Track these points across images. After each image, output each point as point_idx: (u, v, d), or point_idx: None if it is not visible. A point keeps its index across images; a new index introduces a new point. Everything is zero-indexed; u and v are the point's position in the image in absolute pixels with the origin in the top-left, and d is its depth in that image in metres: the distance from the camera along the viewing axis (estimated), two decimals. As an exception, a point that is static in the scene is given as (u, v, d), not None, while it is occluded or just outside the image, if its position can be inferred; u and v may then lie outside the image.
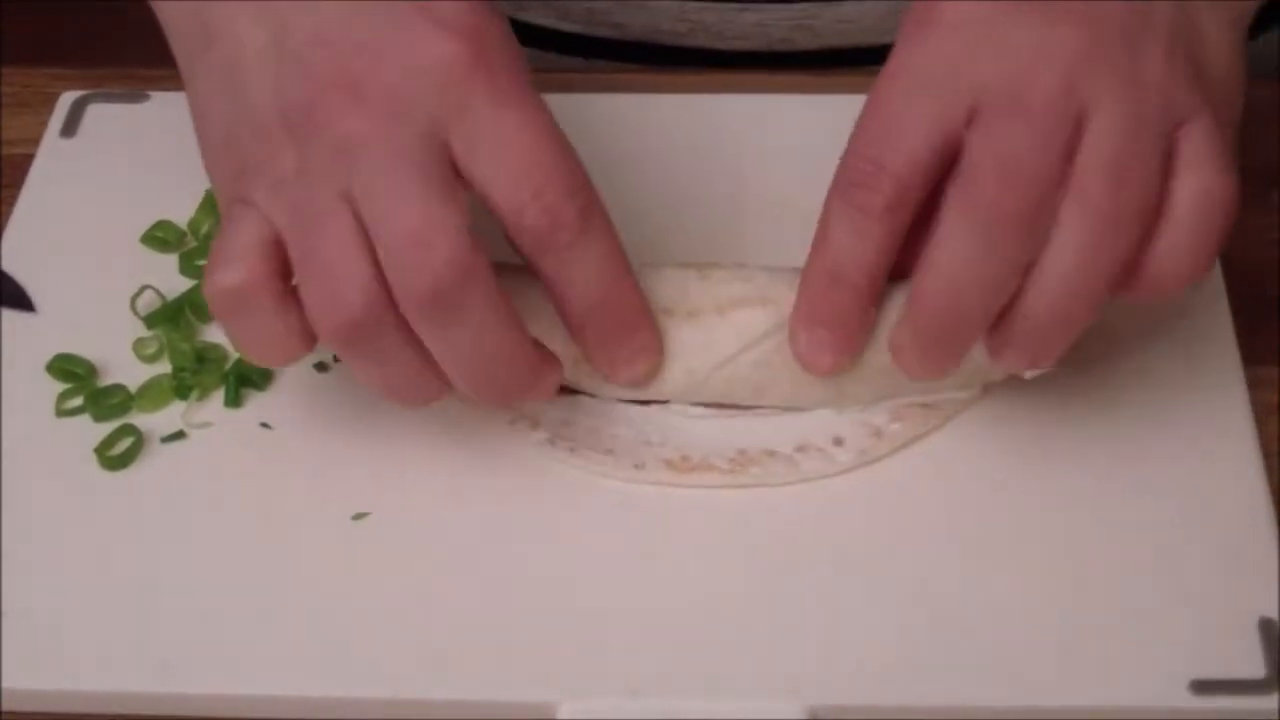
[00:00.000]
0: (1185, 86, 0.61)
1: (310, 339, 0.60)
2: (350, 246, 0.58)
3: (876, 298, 0.62)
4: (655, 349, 0.64)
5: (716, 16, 0.82)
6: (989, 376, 0.65)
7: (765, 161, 0.75)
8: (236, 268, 0.59)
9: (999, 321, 0.61)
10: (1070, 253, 0.58)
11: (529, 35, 0.86)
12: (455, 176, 0.59)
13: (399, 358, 0.60)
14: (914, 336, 0.62)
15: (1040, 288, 0.59)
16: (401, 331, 0.59)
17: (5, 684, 0.60)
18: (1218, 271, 0.70)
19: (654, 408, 0.66)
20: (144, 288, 0.70)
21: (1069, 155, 0.59)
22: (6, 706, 0.60)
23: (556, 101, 0.76)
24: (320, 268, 0.58)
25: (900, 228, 0.60)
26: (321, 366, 0.68)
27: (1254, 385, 0.67)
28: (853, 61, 0.84)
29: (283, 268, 0.60)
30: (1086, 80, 0.59)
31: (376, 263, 0.58)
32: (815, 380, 0.64)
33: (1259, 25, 0.86)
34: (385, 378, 0.61)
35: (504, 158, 0.59)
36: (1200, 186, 0.60)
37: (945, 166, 0.59)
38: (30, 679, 0.60)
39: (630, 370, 0.64)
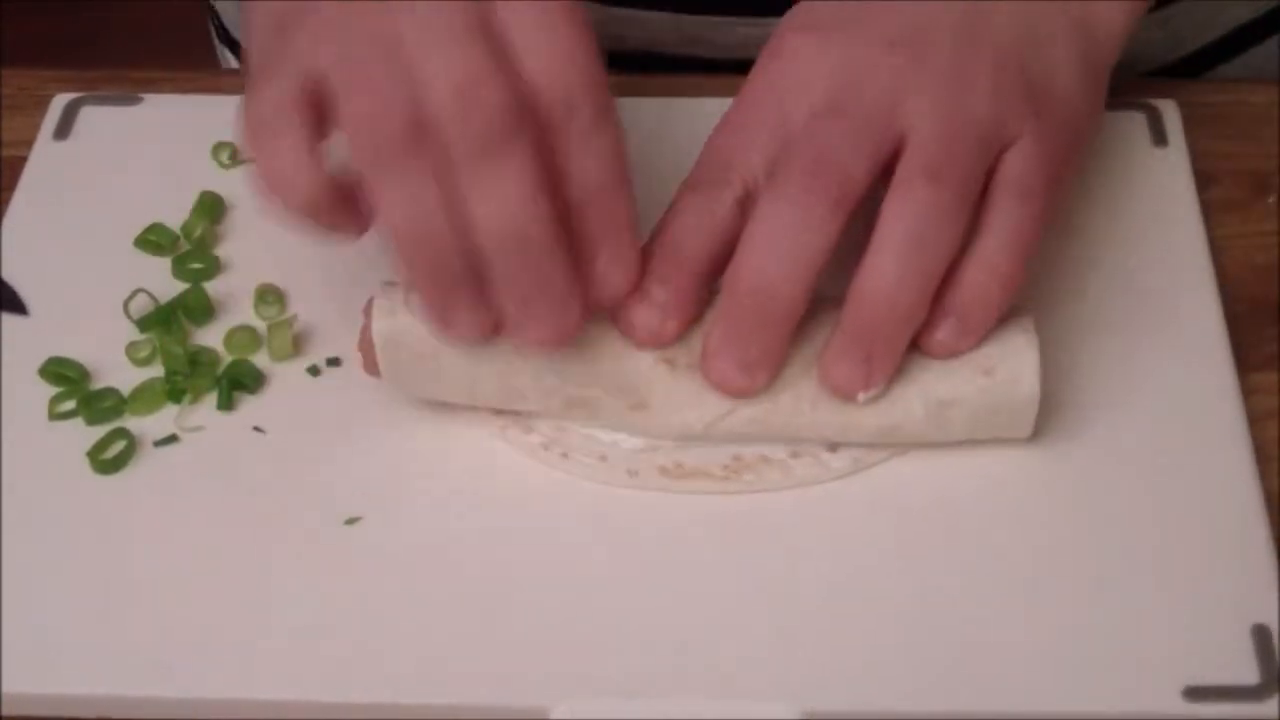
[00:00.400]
0: (1016, 98, 0.63)
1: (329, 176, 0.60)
2: (398, 72, 0.58)
3: (708, 277, 0.63)
4: (633, 260, 0.63)
5: (713, 29, 0.82)
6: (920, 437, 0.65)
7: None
8: (276, 86, 0.60)
9: (832, 334, 0.62)
10: (892, 244, 0.60)
11: None
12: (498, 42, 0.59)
13: (425, 194, 0.59)
14: (724, 325, 0.62)
15: (865, 279, 0.61)
16: (434, 166, 0.58)
17: (2, 688, 0.60)
18: (1210, 277, 0.70)
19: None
20: (137, 291, 0.70)
21: (887, 152, 0.61)
22: (6, 711, 0.60)
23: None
24: (365, 84, 0.58)
25: (736, 219, 0.62)
26: (314, 371, 0.68)
27: (1252, 391, 0.67)
28: None
29: (319, 101, 0.59)
30: (909, 97, 0.62)
31: (421, 98, 0.58)
32: (817, 422, 0.64)
33: (1254, 38, 0.86)
34: (406, 213, 0.59)
35: (542, 41, 0.60)
36: (1006, 214, 0.62)
37: None
38: (26, 683, 0.60)
39: (609, 281, 0.63)
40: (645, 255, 0.63)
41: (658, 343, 0.63)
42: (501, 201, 0.58)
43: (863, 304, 0.61)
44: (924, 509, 0.64)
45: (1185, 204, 0.73)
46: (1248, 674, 0.59)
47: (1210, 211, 0.73)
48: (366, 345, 0.65)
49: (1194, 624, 0.61)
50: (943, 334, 0.63)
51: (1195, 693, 0.59)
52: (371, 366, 0.65)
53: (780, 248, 0.60)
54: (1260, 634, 0.60)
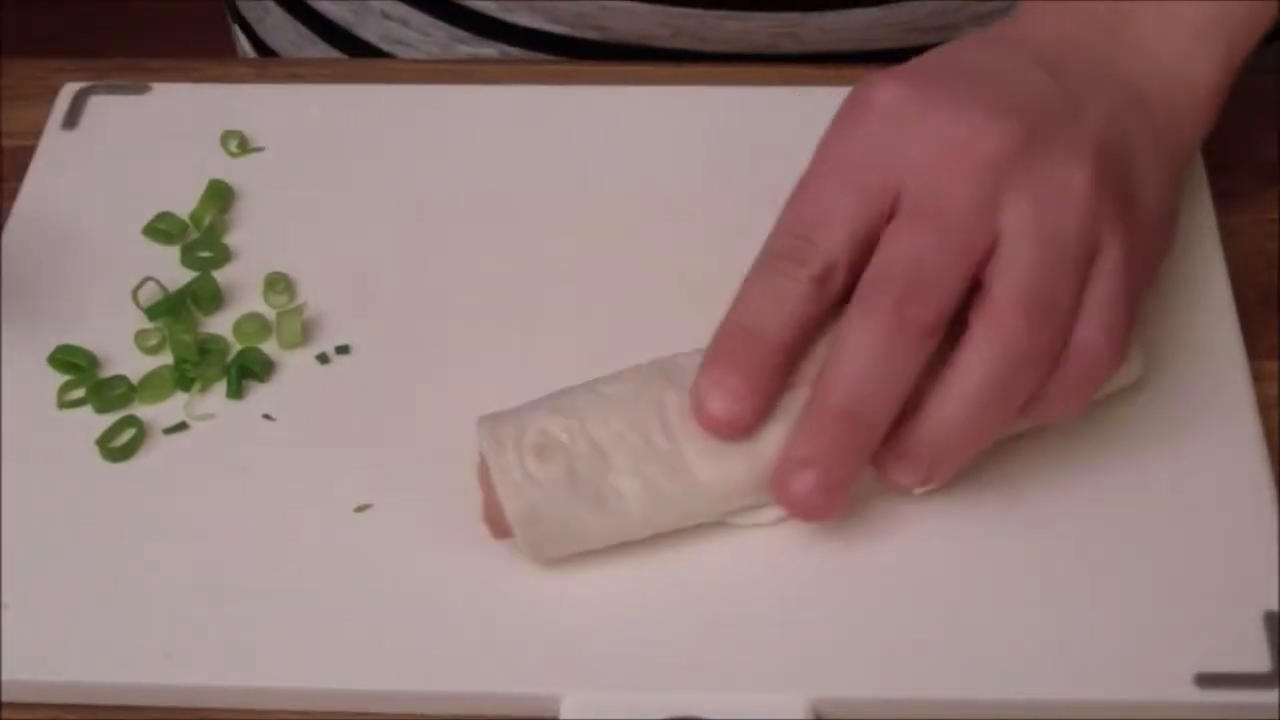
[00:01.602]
0: (1109, 210, 0.61)
1: None
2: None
3: (787, 365, 0.61)
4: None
5: (700, 22, 0.82)
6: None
7: (752, 154, 0.74)
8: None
9: (897, 432, 0.60)
10: (978, 378, 0.59)
11: (516, 36, 0.86)
12: None
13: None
14: (814, 444, 0.60)
15: (944, 404, 0.59)
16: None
17: (5, 676, 0.60)
18: (1221, 265, 0.70)
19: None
20: (146, 279, 0.70)
21: (979, 262, 0.59)
22: (7, 699, 0.60)
23: (544, 94, 0.77)
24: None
25: (820, 306, 0.60)
26: (323, 358, 0.68)
27: (1255, 379, 0.67)
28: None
29: None
30: (1008, 188, 0.60)
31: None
32: None
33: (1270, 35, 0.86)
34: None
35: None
36: (1090, 338, 0.60)
37: (869, 254, 0.60)
38: (31, 671, 0.60)
39: None
40: (718, 336, 0.61)
41: (732, 432, 0.61)
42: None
43: (937, 426, 0.60)
44: (932, 498, 0.64)
45: (1196, 192, 0.72)
46: (1260, 661, 0.59)
47: (1219, 200, 0.73)
48: (494, 513, 0.61)
49: (1206, 611, 0.61)
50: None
51: (1207, 680, 0.59)
52: (501, 533, 0.62)
53: (872, 377, 0.59)
54: (1272, 621, 0.60)
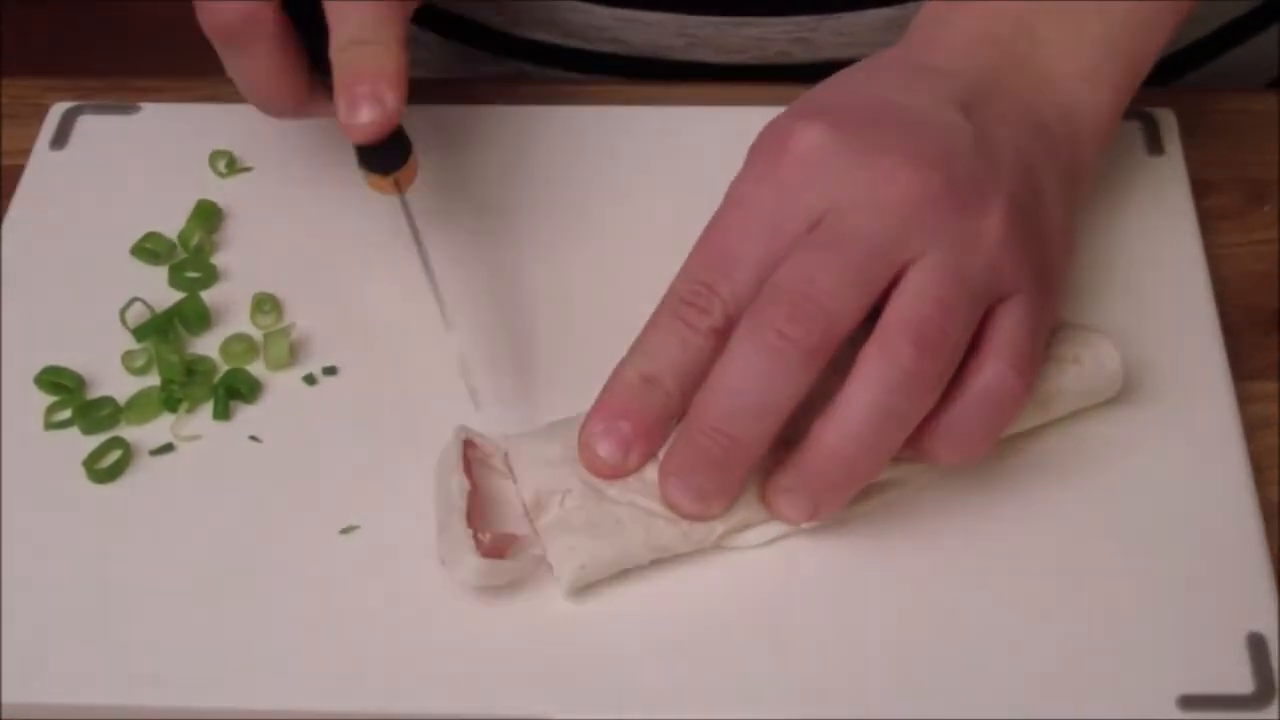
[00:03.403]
0: (1016, 259, 0.61)
1: None
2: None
3: (680, 411, 0.61)
4: (395, 101, 0.64)
5: (715, 30, 0.82)
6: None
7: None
8: None
9: (782, 466, 0.61)
10: (861, 404, 0.59)
11: (530, 52, 0.86)
12: None
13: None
14: (682, 455, 0.61)
15: (826, 432, 0.59)
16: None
17: (4, 699, 0.60)
18: (1207, 285, 0.70)
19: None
20: (133, 300, 0.70)
21: (877, 294, 0.59)
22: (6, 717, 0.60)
23: (551, 114, 0.77)
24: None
25: (715, 351, 0.60)
26: (310, 380, 0.68)
27: (1250, 399, 0.67)
28: None
29: None
30: (919, 231, 0.59)
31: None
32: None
33: (1250, 31, 0.86)
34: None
35: None
36: (993, 376, 0.60)
37: None
38: (18, 693, 0.60)
39: (363, 110, 0.64)
40: (615, 380, 0.62)
41: (618, 475, 0.62)
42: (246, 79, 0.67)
43: (819, 455, 0.60)
44: (922, 519, 0.64)
45: (1182, 212, 0.73)
46: (1243, 683, 0.59)
47: (1208, 220, 0.73)
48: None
49: (1190, 633, 0.61)
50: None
51: (1190, 701, 0.59)
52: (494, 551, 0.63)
53: (748, 395, 0.59)
54: (1256, 643, 0.60)
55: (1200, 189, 0.74)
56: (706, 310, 0.61)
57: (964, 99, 0.63)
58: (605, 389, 0.62)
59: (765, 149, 0.63)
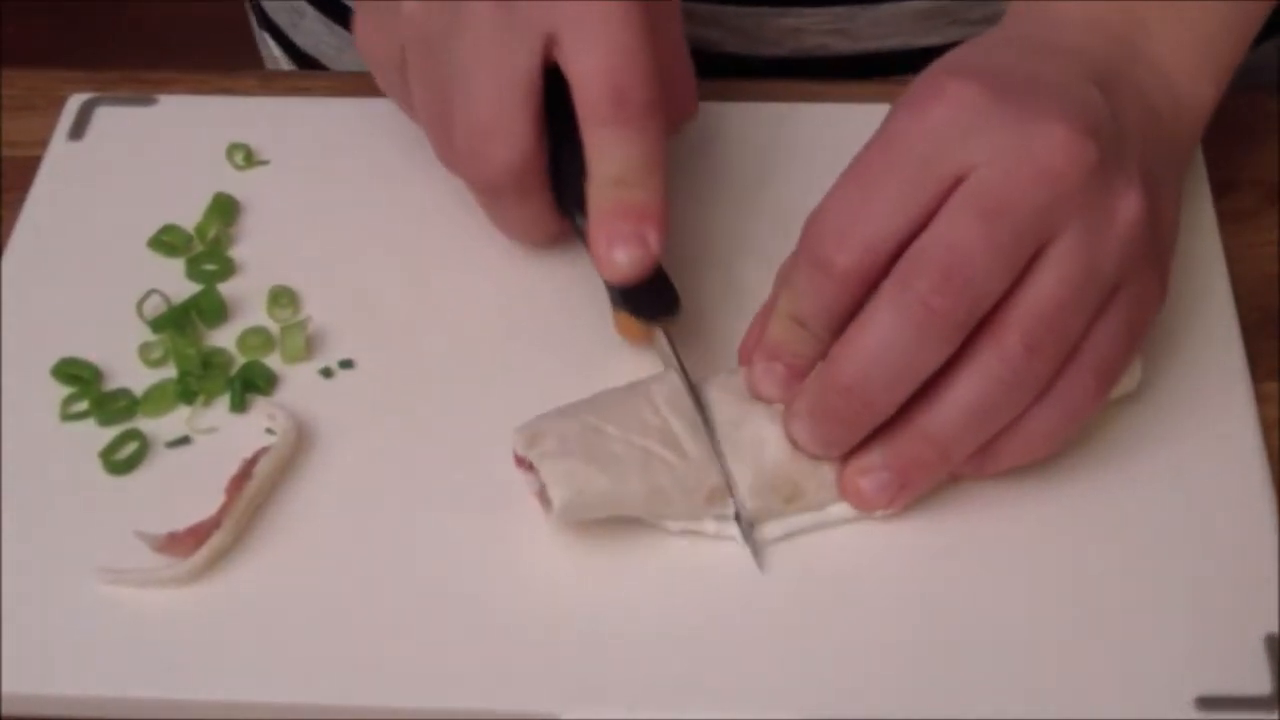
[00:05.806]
0: (1144, 246, 0.61)
1: None
2: None
3: (824, 351, 0.61)
4: (657, 243, 0.64)
5: (753, 21, 0.82)
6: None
7: (789, 170, 0.75)
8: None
9: (879, 435, 0.61)
10: (969, 394, 0.59)
11: None
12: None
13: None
14: (814, 404, 0.61)
15: (929, 417, 0.60)
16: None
17: (5, 689, 0.60)
18: (1226, 286, 0.70)
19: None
20: (150, 292, 0.70)
21: (1017, 272, 0.59)
22: (6, 711, 0.60)
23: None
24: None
25: (861, 292, 0.60)
26: (326, 373, 0.68)
27: (1255, 401, 0.67)
28: (885, 69, 0.84)
29: None
30: (1067, 206, 0.59)
31: None
32: None
33: (1269, 32, 0.86)
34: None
35: (597, 44, 0.63)
36: (1079, 377, 0.60)
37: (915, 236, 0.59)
38: (30, 684, 0.60)
39: (622, 249, 0.64)
40: (773, 319, 0.63)
41: (777, 401, 0.63)
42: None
43: (917, 441, 0.60)
44: (932, 518, 0.64)
45: (1201, 212, 0.72)
46: (1260, 684, 0.59)
47: (1225, 220, 0.73)
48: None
49: (1207, 633, 0.60)
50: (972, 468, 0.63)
51: (1207, 703, 0.59)
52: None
53: (884, 363, 0.59)
54: (1273, 644, 0.60)
55: (1219, 189, 0.74)
56: (843, 248, 0.59)
57: (1095, 78, 0.63)
58: (758, 330, 0.64)
59: (919, 96, 0.61)
